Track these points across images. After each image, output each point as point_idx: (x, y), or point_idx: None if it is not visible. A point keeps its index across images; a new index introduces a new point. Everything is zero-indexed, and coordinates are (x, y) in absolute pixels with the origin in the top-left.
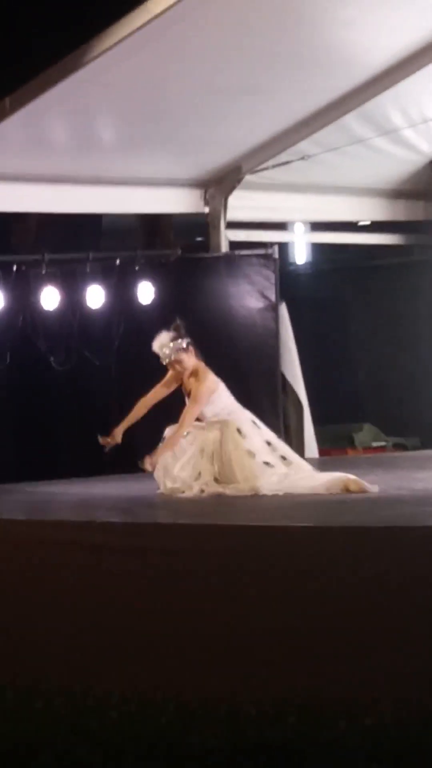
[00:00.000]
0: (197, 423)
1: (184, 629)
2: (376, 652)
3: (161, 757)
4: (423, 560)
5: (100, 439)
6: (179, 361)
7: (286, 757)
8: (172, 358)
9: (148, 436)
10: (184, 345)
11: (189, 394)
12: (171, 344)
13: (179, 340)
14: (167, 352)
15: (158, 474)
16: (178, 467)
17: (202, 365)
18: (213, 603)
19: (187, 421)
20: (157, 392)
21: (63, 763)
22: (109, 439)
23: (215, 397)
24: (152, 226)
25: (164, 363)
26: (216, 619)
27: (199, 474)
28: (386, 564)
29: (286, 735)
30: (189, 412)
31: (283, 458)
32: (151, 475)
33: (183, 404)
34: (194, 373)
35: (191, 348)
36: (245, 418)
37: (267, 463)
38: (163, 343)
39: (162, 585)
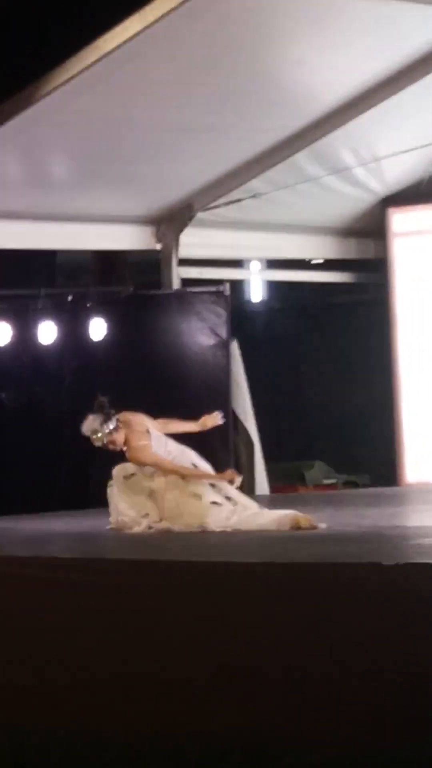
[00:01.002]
0: (146, 470)
1: (128, 666)
2: (321, 689)
3: None
4: (368, 596)
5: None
6: (112, 442)
7: None
8: (105, 441)
9: (100, 474)
10: (113, 426)
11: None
12: (102, 429)
13: (108, 422)
14: (100, 437)
15: (110, 509)
16: (126, 506)
17: (128, 432)
18: (157, 640)
19: (165, 464)
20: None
21: None
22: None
23: (153, 449)
24: (108, 263)
25: (97, 445)
26: (161, 656)
27: (147, 514)
28: (332, 600)
29: None
30: (159, 464)
31: (228, 498)
32: (101, 512)
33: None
34: (126, 443)
35: (119, 424)
36: (186, 461)
37: (215, 503)
38: (94, 429)
39: (107, 621)
